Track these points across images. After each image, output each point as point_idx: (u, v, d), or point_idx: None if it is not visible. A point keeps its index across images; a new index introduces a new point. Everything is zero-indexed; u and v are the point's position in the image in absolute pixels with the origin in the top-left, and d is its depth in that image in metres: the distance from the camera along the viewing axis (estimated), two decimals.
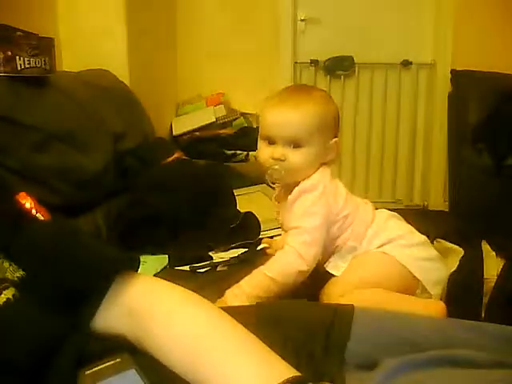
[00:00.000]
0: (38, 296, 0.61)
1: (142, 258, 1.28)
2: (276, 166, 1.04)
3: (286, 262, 1.04)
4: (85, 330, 0.61)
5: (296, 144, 1.04)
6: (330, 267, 1.08)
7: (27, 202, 1.00)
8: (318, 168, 1.07)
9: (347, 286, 1.03)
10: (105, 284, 0.61)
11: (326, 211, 1.05)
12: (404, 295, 1.05)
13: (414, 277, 1.05)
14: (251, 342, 0.58)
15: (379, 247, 1.07)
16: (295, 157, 1.04)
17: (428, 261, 1.09)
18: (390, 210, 1.16)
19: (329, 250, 1.09)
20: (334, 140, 1.07)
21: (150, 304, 0.62)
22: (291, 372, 0.54)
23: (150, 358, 0.58)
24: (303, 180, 1.06)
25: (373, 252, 1.07)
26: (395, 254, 1.05)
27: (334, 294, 1.04)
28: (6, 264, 0.64)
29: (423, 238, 1.11)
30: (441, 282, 1.09)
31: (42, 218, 1.04)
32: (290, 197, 1.06)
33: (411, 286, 1.06)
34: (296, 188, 1.06)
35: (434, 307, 1.03)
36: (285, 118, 1.03)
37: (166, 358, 0.58)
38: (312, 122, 1.04)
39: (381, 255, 1.06)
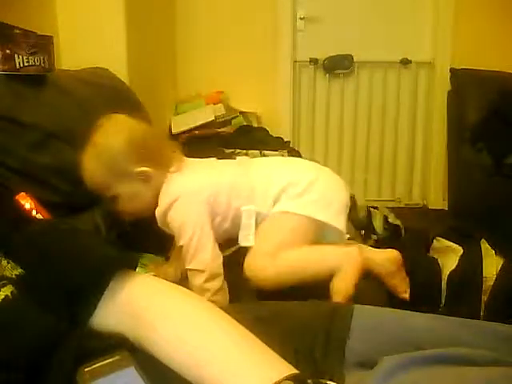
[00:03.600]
0: (37, 294, 0.61)
1: (141, 258, 1.28)
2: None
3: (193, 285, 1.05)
4: (83, 327, 0.61)
5: (112, 196, 1.07)
6: (240, 241, 1.07)
7: (27, 203, 1.00)
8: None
9: (266, 257, 1.02)
10: (103, 282, 0.62)
11: (195, 209, 1.05)
12: (329, 245, 1.06)
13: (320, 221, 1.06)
14: (251, 342, 0.58)
15: (275, 204, 1.06)
16: (119, 206, 1.09)
17: (321, 200, 1.07)
18: (389, 208, 1.15)
19: (234, 222, 1.09)
20: (138, 170, 1.06)
21: (149, 304, 0.62)
22: (290, 370, 0.54)
23: (149, 355, 0.58)
24: (158, 205, 1.08)
25: (273, 215, 1.06)
26: (294, 209, 1.05)
27: (257, 267, 1.03)
28: (5, 262, 0.65)
29: (309, 175, 1.09)
30: (341, 210, 1.08)
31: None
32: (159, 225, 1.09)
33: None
34: (157, 216, 1.08)
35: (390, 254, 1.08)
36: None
37: (165, 358, 0.58)
38: (95, 180, 1.06)
39: (281, 216, 1.05)
